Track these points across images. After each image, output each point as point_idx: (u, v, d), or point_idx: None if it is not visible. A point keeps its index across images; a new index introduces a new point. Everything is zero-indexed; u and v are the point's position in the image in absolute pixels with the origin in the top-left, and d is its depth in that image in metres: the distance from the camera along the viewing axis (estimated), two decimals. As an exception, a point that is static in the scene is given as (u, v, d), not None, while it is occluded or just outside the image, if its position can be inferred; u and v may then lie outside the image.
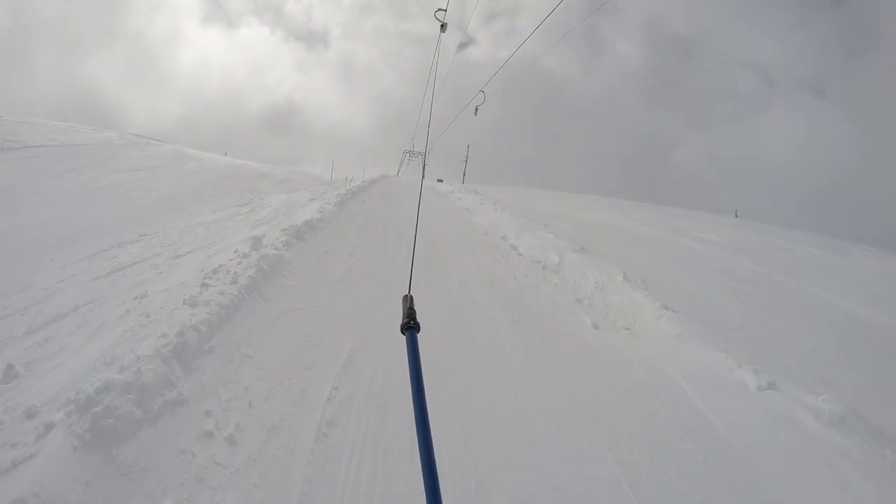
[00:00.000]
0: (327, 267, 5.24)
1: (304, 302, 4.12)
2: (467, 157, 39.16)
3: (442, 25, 7.19)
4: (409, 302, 1.16)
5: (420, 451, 0.79)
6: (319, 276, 4.94)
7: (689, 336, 4.27)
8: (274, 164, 27.74)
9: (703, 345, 4.11)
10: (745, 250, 9.87)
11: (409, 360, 0.97)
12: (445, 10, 7.09)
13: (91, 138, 21.92)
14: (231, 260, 4.74)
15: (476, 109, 10.16)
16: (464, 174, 38.11)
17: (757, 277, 7.52)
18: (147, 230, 7.92)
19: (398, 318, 1.12)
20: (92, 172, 15.02)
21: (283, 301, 4.04)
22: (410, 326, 1.08)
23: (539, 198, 17.60)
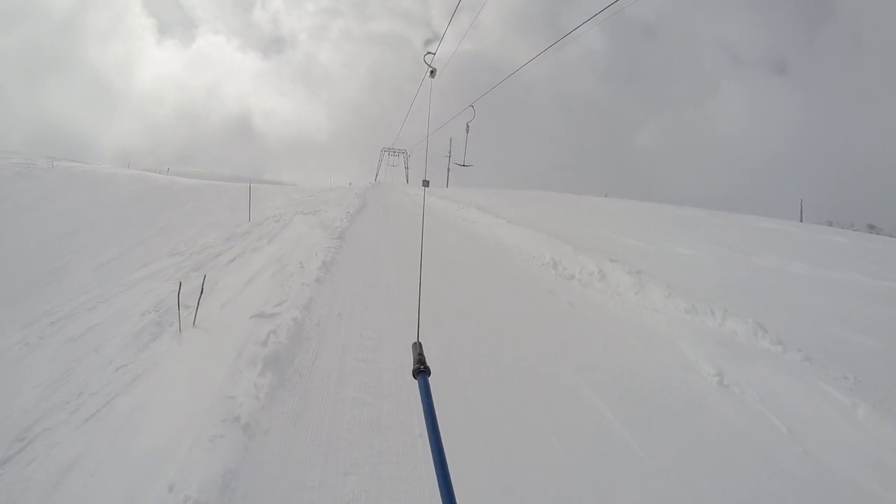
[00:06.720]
0: None
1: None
2: (450, 151, 33.32)
3: (432, 71, 6.85)
4: (418, 348, 1.18)
5: (441, 491, 0.78)
6: None
7: None
8: (214, 180, 22.73)
9: None
10: None
11: (423, 404, 0.97)
12: (434, 54, 7.13)
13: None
14: None
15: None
16: (448, 171, 32.43)
17: None
18: None
19: None
20: None
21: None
22: (421, 371, 1.09)
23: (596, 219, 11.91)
